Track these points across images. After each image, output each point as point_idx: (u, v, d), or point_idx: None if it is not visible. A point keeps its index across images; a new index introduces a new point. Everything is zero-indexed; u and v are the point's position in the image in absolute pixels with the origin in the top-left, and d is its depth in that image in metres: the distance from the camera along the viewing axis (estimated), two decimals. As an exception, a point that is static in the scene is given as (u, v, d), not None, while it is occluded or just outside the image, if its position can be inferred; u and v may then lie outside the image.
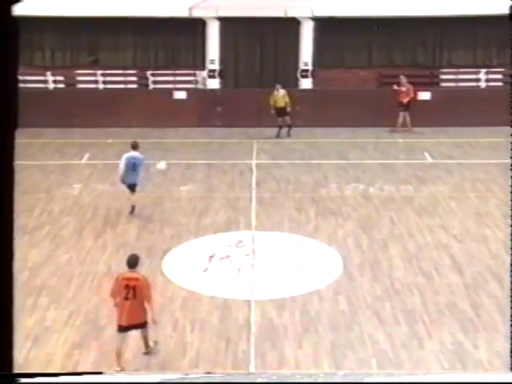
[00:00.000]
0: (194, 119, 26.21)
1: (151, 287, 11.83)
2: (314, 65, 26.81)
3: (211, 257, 15.76)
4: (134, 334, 11.88)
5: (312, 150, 23.70)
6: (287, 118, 24.90)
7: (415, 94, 25.36)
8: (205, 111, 26.42)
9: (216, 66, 26.89)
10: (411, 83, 25.31)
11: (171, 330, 12.80)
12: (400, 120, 25.13)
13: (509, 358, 11.84)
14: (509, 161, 22.22)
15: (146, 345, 11.90)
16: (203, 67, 26.96)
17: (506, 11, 25.72)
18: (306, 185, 20.43)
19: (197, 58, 26.96)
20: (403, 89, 25.11)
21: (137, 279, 11.46)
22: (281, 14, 25.87)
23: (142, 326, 11.68)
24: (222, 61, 26.87)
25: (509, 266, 15.30)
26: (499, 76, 27.51)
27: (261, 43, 26.93)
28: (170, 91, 26.73)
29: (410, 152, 23.49)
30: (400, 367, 11.67)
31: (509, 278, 14.76)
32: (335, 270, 15.21)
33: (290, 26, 26.34)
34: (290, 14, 26.09)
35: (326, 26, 26.00)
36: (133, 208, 17.92)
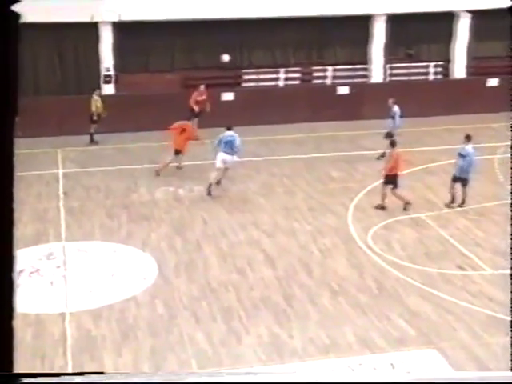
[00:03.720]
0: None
1: None
2: (116, 70, 26.50)
3: (20, 272, 15.13)
4: None
5: (121, 156, 23.42)
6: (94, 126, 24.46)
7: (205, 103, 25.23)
8: None
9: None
10: (215, 85, 25.62)
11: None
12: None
13: (322, 342, 12.38)
14: (312, 155, 23.31)
15: None
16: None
17: (303, 13, 26.99)
18: (117, 191, 20.17)
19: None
20: (199, 98, 25.10)
21: None
22: (80, 19, 25.30)
23: None
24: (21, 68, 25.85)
25: (318, 255, 16.01)
26: (297, 75, 28.69)
27: (60, 49, 26.19)
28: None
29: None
30: (220, 365, 11.83)
31: (317, 268, 15.47)
32: (151, 274, 15.13)
33: (90, 30, 25.83)
34: (90, 19, 25.58)
35: (128, 30, 25.77)
36: None
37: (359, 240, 16.85)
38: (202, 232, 17.37)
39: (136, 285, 14.69)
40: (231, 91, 27.07)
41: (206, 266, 15.52)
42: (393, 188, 18.54)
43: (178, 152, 21.41)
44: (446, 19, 28.92)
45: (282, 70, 28.28)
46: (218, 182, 20.31)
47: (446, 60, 29.70)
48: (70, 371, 11.60)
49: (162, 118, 25.13)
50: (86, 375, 3.55)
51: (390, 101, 22.95)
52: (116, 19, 25.67)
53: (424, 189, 20.20)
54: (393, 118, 22.82)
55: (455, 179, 18.81)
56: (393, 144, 18.85)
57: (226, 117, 24.14)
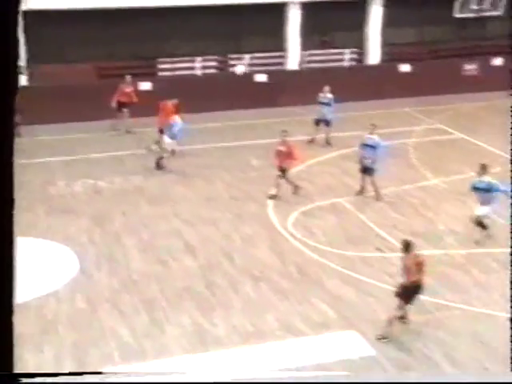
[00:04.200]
0: None
1: None
2: (29, 60, 25.88)
3: None
4: None
5: (37, 148, 22.92)
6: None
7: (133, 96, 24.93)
8: None
9: None
10: (131, 75, 25.25)
11: None
12: (124, 118, 24.70)
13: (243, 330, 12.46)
14: (232, 143, 23.34)
15: None
16: None
17: (218, 1, 26.96)
18: (34, 184, 19.75)
19: None
20: (127, 90, 24.75)
21: None
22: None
23: None
24: None
25: (240, 243, 16.08)
26: (214, 63, 28.68)
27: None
28: None
29: (137, 143, 23.61)
30: (144, 357, 11.78)
31: (239, 256, 15.55)
32: (71, 268, 14.92)
33: None
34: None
35: (39, 19, 25.15)
36: None
37: (280, 227, 17.01)
38: (123, 224, 17.21)
39: (56, 280, 14.46)
40: (149, 81, 26.84)
41: (127, 258, 15.40)
42: (282, 176, 18.56)
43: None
44: (359, 7, 29.38)
45: (199, 58, 28.21)
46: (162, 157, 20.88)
47: (360, 47, 30.19)
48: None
49: (77, 109, 24.75)
50: (85, 375, 3.59)
51: (326, 88, 23.22)
52: (24, 7, 25.00)
53: (341, 174, 20.51)
54: (328, 104, 23.10)
55: (363, 170, 18.73)
56: (284, 134, 18.84)
57: (145, 106, 23.96)
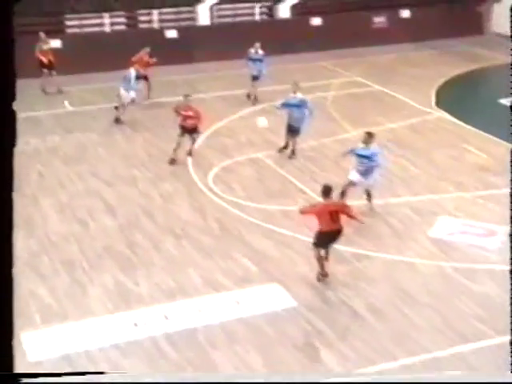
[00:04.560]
0: None
1: None
2: None
3: None
4: None
5: None
6: None
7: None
8: None
9: None
10: (37, 32, 24.31)
11: None
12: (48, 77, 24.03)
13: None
14: (150, 101, 22.99)
15: None
16: None
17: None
18: None
19: None
20: (45, 47, 23.99)
21: None
22: None
23: None
24: None
25: (160, 201, 15.97)
26: (122, 20, 28.13)
27: None
28: None
29: (51, 102, 23.06)
30: (65, 318, 11.63)
31: (160, 214, 15.45)
32: (-14, 232, 14.53)
33: None
34: None
35: None
36: None
37: (200, 183, 16.95)
38: (39, 185, 16.85)
39: (-29, 244, 14.07)
40: (57, 38, 26.03)
41: (45, 220, 15.12)
42: (194, 140, 18.40)
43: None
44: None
45: (107, 14, 27.54)
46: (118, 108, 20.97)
47: (271, 0, 30.01)
48: None
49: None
50: (87, 375, 3.60)
51: (257, 44, 23.03)
52: None
53: (261, 129, 20.48)
54: (260, 60, 22.94)
55: (289, 129, 18.34)
56: (187, 98, 18.57)
57: (56, 64, 23.38)
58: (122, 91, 20.83)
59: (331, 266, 12.90)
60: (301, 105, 18.25)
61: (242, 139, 19.84)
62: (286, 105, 18.48)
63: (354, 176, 15.02)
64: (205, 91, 23.70)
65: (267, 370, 10.35)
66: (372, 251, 13.81)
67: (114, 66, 24.23)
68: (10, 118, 3.52)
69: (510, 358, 8.09)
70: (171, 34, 27.76)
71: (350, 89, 24.52)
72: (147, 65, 22.94)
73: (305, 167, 17.92)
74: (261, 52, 23.08)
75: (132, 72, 21.12)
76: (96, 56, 25.74)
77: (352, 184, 15.06)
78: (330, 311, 11.92)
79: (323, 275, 12.71)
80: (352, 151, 15.31)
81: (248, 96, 23.03)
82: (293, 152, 18.46)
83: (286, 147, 18.68)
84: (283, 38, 28.12)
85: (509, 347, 10.28)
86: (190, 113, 18.13)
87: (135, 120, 21.31)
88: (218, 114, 21.43)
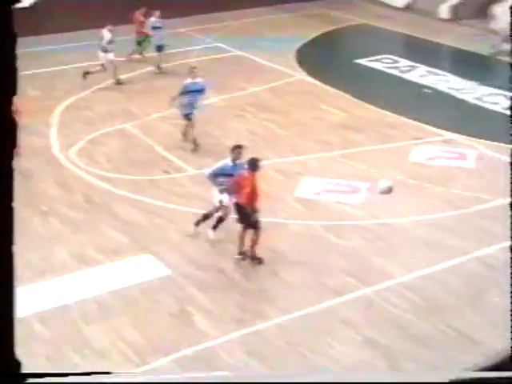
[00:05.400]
0: None
1: None
2: None
3: None
4: None
5: None
6: None
7: None
8: None
9: None
10: None
11: None
12: None
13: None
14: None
15: None
16: None
17: None
18: None
19: None
20: None
21: None
22: None
23: None
24: None
25: (22, 179, 15.48)
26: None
27: None
28: None
29: None
30: None
31: (23, 191, 14.97)
32: None
33: None
34: None
35: None
36: None
37: (64, 158, 16.53)
38: None
39: None
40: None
41: None
42: None
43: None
44: None
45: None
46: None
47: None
48: None
49: None
50: (93, 375, 3.53)
51: (157, 13, 22.40)
52: None
53: (125, 100, 20.20)
54: (160, 28, 22.40)
55: (186, 116, 16.85)
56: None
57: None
58: (99, 52, 20.82)
59: (202, 229, 12.94)
60: (200, 89, 16.89)
61: (104, 110, 19.43)
62: (184, 92, 16.70)
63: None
64: (67, 62, 22.98)
65: (144, 340, 10.35)
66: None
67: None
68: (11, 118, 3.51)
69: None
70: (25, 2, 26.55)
71: (212, 55, 24.43)
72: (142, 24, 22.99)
73: (171, 135, 17.71)
74: (160, 20, 22.51)
75: (105, 33, 20.82)
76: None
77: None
78: (204, 277, 12.00)
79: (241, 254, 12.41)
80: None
81: (159, 69, 22.34)
82: (195, 141, 16.82)
83: (186, 134, 17.09)
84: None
85: (371, 296, 10.77)
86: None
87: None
88: (77, 85, 20.93)
